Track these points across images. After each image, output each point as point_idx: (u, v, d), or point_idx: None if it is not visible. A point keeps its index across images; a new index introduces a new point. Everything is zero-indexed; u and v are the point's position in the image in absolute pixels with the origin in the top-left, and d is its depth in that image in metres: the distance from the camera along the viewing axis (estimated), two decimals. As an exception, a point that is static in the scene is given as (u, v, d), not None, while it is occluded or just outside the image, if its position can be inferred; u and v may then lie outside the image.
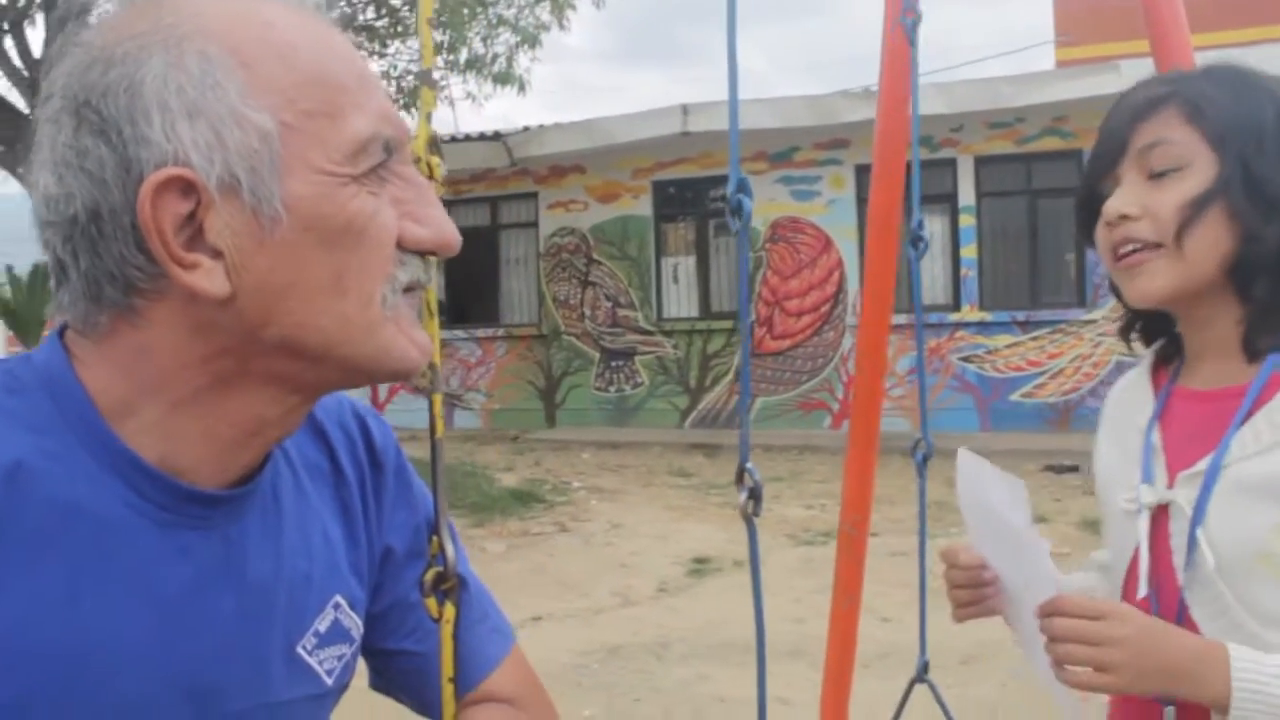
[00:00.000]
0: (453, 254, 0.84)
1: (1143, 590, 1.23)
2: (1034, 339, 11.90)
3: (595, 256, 14.10)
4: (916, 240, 2.00)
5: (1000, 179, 12.14)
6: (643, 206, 13.84)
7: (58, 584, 0.75)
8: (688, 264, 13.73)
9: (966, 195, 12.30)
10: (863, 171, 12.01)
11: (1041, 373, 11.87)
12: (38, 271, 21.60)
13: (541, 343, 14.38)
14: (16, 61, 9.46)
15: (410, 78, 10.81)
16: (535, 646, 5.34)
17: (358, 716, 1.27)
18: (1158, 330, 1.37)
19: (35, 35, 9.66)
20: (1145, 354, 1.38)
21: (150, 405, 0.79)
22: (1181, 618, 1.21)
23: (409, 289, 0.82)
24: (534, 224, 14.50)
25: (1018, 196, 12.17)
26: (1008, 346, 12.02)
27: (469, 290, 14.43)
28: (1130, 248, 1.23)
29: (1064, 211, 11.22)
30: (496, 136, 13.75)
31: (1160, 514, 1.24)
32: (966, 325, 12.25)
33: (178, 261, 0.74)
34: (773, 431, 12.69)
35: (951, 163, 12.31)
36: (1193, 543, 1.19)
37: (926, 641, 2.10)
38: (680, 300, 13.78)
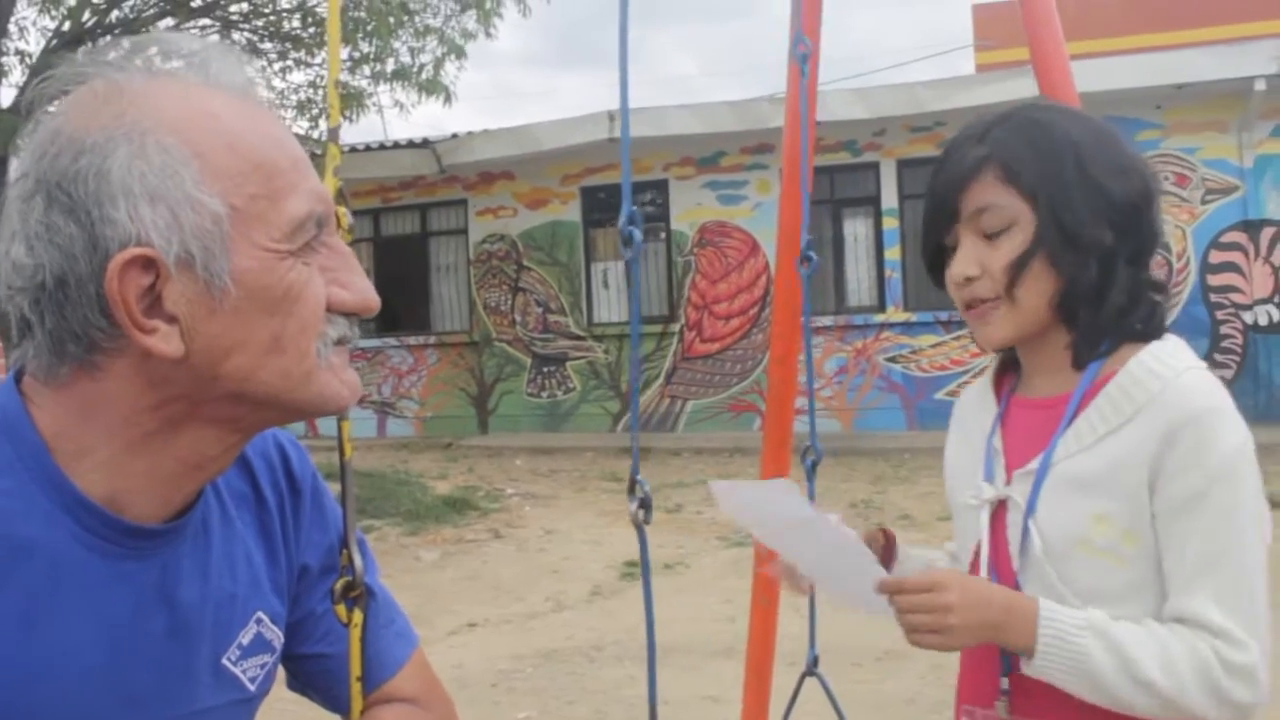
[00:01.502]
0: (372, 314, 0.96)
1: (983, 575, 1.39)
2: (957, 338, 12.16)
3: (525, 263, 14.14)
4: (805, 260, 2.15)
5: (922, 181, 12.29)
6: (571, 212, 13.91)
7: (14, 610, 0.84)
8: (617, 269, 13.82)
9: (889, 198, 12.55)
10: (782, 174, 12.16)
11: (965, 371, 12.14)
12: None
13: (473, 349, 14.38)
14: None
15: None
16: (470, 652, 5.41)
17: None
18: None
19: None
20: (991, 363, 1.54)
21: (103, 447, 0.88)
22: None
23: (339, 342, 0.93)
24: (464, 231, 14.50)
25: (939, 199, 12.41)
26: (932, 346, 12.28)
27: (400, 298, 14.40)
28: (977, 304, 1.39)
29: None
30: (425, 144, 13.74)
31: (999, 508, 1.40)
32: (892, 326, 12.49)
33: (138, 327, 0.83)
34: (704, 434, 12.83)
35: (874, 166, 12.56)
36: (1026, 532, 1.35)
37: (816, 636, 2.21)
38: (610, 305, 13.87)
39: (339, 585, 1.03)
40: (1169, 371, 1.30)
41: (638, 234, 1.17)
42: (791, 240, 2.52)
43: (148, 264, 0.83)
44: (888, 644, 4.74)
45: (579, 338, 13.87)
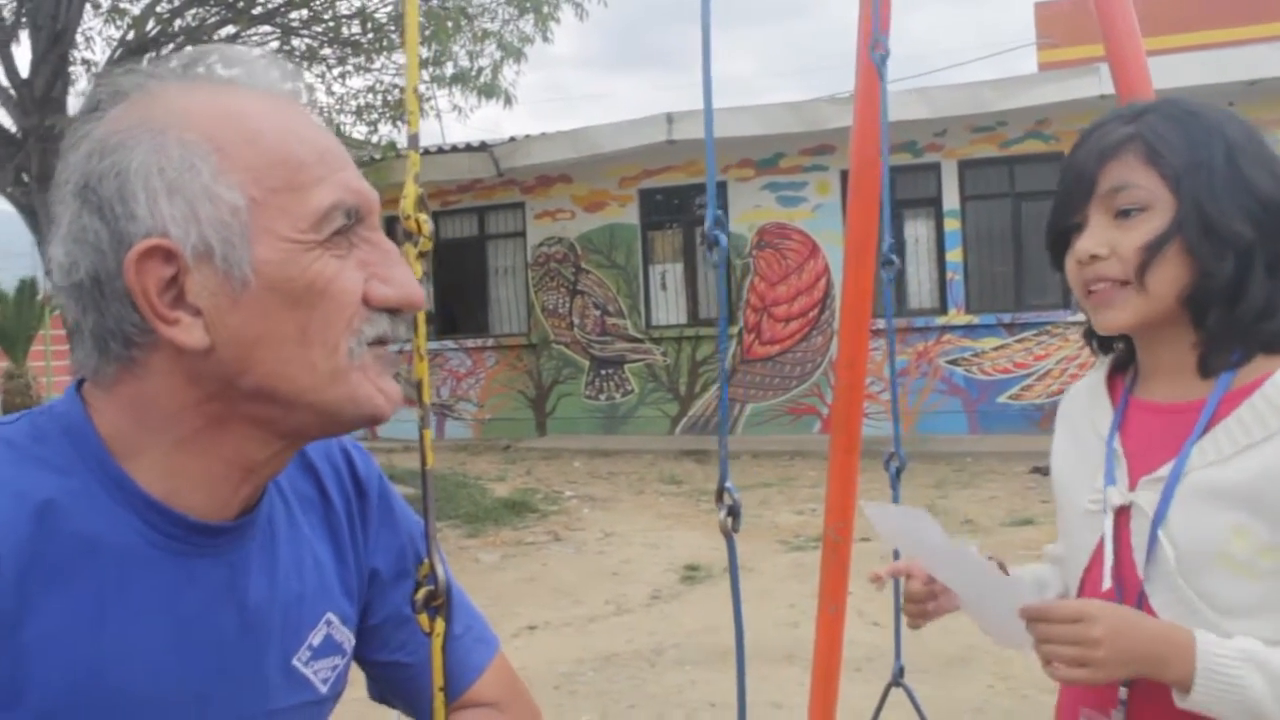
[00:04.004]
0: (417, 310, 0.94)
1: (1107, 583, 1.34)
2: (1020, 341, 11.99)
3: (583, 265, 14.16)
4: (888, 263, 2.10)
5: (984, 182, 12.23)
6: (629, 215, 13.90)
7: (85, 606, 0.85)
8: (675, 271, 13.80)
9: (951, 199, 12.40)
10: (849, 177, 12.07)
11: (1028, 374, 11.97)
12: (24, 287, 21.63)
13: (531, 352, 14.43)
14: (3, 81, 9.49)
15: (396, 91, 10.87)
16: (531, 655, 5.40)
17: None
18: (1112, 339, 1.47)
19: (21, 53, 9.69)
20: (1101, 363, 1.49)
21: (154, 445, 0.90)
22: (1140, 606, 1.32)
23: (378, 342, 0.91)
24: (521, 234, 14.55)
25: (1001, 199, 12.26)
26: (994, 349, 12.11)
27: (458, 301, 14.49)
28: (1100, 285, 1.34)
29: (1047, 213, 11.31)
30: (483, 147, 13.81)
31: (1122, 514, 1.35)
32: (953, 329, 12.34)
33: (161, 318, 0.85)
34: (762, 437, 12.76)
35: (935, 167, 12.40)
36: (1153, 541, 1.30)
37: (901, 646, 2.17)
38: (668, 307, 13.84)
39: (421, 594, 1.02)
40: None
41: (723, 238, 1.15)
42: (860, 244, 2.48)
43: (167, 256, 0.85)
44: (953, 651, 4.67)
45: (637, 340, 13.86)
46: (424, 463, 1.01)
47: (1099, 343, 1.48)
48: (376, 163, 11.18)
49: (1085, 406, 1.48)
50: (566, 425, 14.16)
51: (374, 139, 11.16)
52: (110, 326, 0.87)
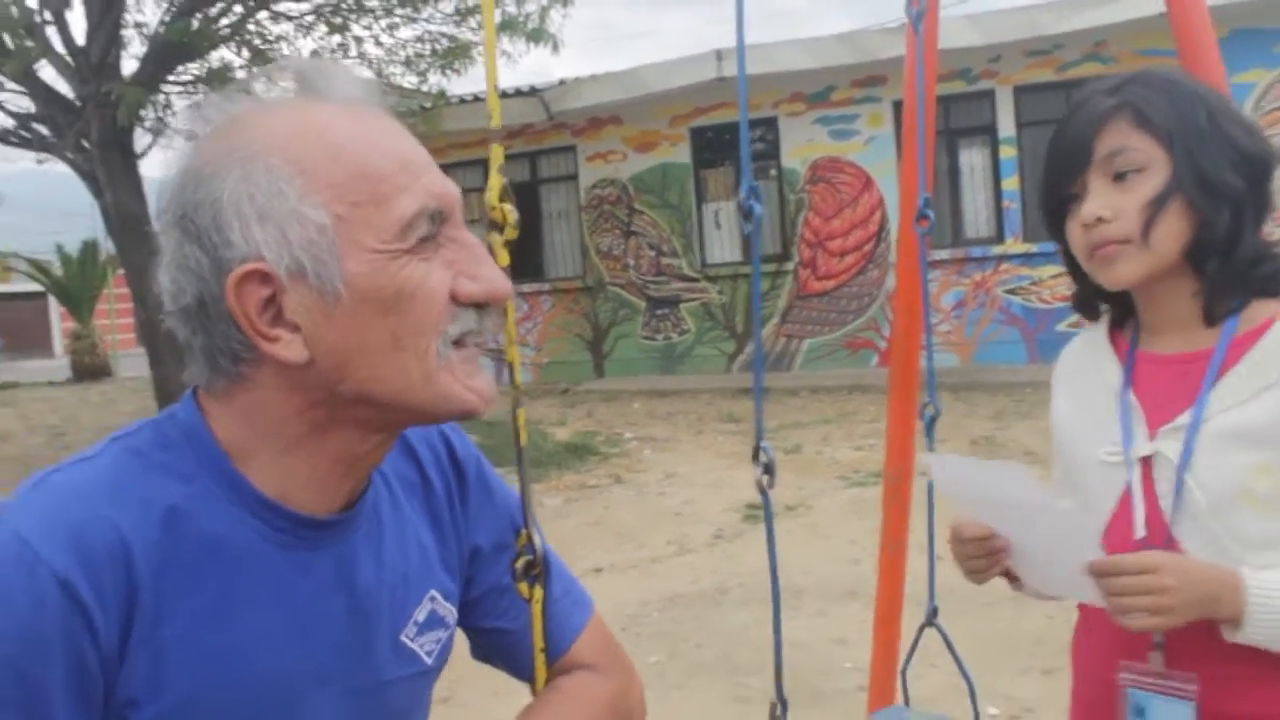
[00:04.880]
0: (505, 302, 0.99)
1: (1141, 531, 1.41)
2: (1080, 268, 11.82)
3: (636, 206, 14.15)
4: (923, 217, 2.15)
5: (1040, 108, 12.00)
6: (681, 154, 13.85)
7: (211, 602, 0.93)
8: (728, 209, 13.75)
9: (1006, 126, 12.21)
10: (901, 107, 11.90)
11: (1089, 302, 11.81)
12: (87, 249, 22.01)
13: (587, 294, 14.50)
14: (61, 49, 9.63)
15: (445, 40, 10.87)
16: (598, 598, 5.43)
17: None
18: (1098, 305, 1.55)
19: (75, 20, 9.83)
20: (1097, 323, 1.56)
21: (266, 449, 0.96)
22: (1170, 549, 1.39)
23: (460, 341, 0.96)
24: (574, 177, 14.57)
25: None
26: (1053, 277, 11.95)
27: (513, 246, 14.54)
28: (1107, 247, 1.40)
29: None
30: (533, 91, 13.79)
31: (1145, 465, 1.42)
32: (1010, 258, 12.20)
33: (263, 336, 0.91)
34: (820, 372, 12.77)
35: (990, 94, 12.21)
36: (1180, 487, 1.37)
37: (935, 589, 2.23)
38: (723, 245, 13.82)
39: (520, 563, 1.08)
40: None
41: (758, 208, 1.18)
42: (912, 204, 2.48)
43: (264, 278, 0.90)
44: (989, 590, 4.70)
45: (692, 279, 13.87)
46: (518, 441, 1.07)
47: (1088, 308, 1.56)
48: (427, 111, 11.23)
49: (1090, 363, 1.55)
50: (624, 367, 14.25)
51: (424, 88, 11.19)
52: (218, 345, 0.93)
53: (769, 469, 1.30)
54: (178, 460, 0.95)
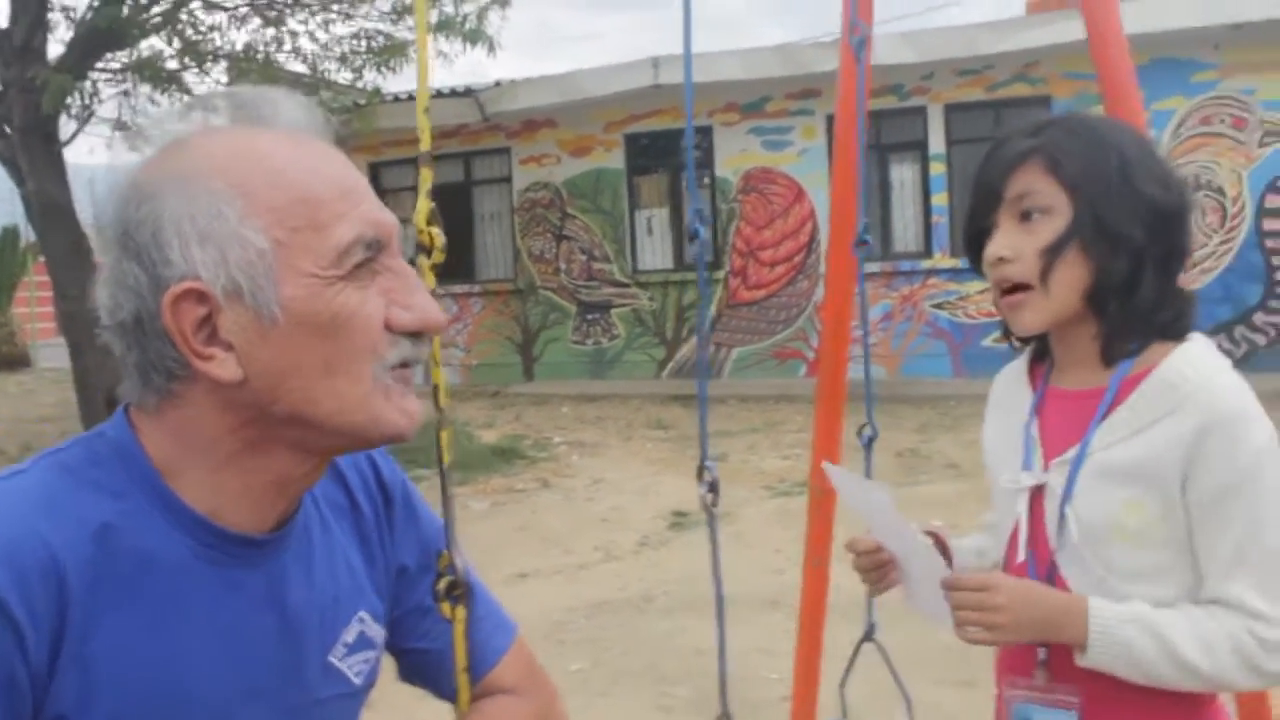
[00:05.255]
0: (438, 333, 1.01)
1: (1021, 556, 1.51)
2: (1004, 285, 12.03)
3: (569, 210, 14.14)
4: (862, 242, 2.24)
5: (970, 126, 12.21)
6: (615, 159, 13.86)
7: (144, 618, 0.93)
8: (661, 215, 13.78)
9: (937, 143, 12.39)
10: (834, 121, 12.02)
11: (1012, 317, 12.02)
12: (7, 236, 21.43)
13: (518, 297, 14.44)
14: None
15: (380, 37, 10.77)
16: (522, 604, 5.50)
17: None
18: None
19: (-1, 1, 9.58)
20: (1025, 352, 1.65)
21: (197, 467, 0.97)
22: (1053, 576, 1.48)
23: (402, 365, 0.98)
24: (507, 179, 14.50)
25: (988, 143, 12.09)
26: (979, 292, 12.15)
27: (444, 246, 14.43)
28: (1008, 286, 1.48)
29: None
30: (468, 92, 13.70)
31: (1037, 493, 1.51)
32: (938, 272, 12.39)
33: (197, 354, 0.92)
34: (748, 381, 12.85)
35: (921, 111, 12.39)
36: (1063, 517, 1.46)
37: (874, 604, 2.26)
38: (654, 252, 13.85)
39: (442, 584, 1.10)
40: (1201, 374, 1.40)
41: (703, 231, 1.20)
42: (844, 226, 2.51)
43: (200, 297, 0.91)
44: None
45: (623, 285, 13.89)
46: (441, 461, 1.09)
47: (1012, 341, 1.63)
48: (361, 108, 11.11)
49: (1010, 391, 1.64)
50: (554, 370, 14.22)
51: (359, 84, 11.07)
52: (153, 361, 0.94)
53: (714, 488, 1.35)
54: (109, 477, 0.95)
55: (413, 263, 1.07)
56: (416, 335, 0.99)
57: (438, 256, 1.07)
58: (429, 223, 1.06)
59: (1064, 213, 1.44)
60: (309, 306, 0.92)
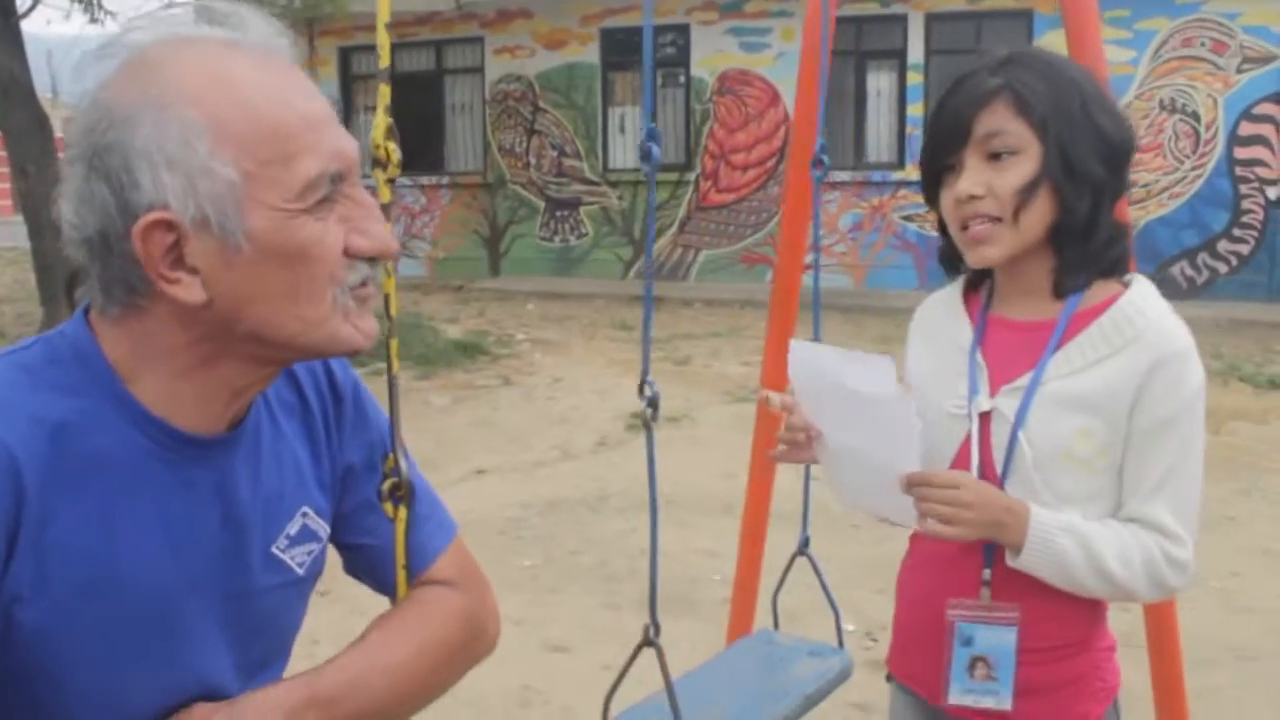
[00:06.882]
0: (392, 259, 1.07)
1: (973, 477, 1.56)
2: (974, 200, 12.03)
3: (541, 105, 13.94)
4: (818, 163, 2.26)
5: (951, 37, 12.08)
6: (590, 54, 13.64)
7: (96, 510, 0.98)
8: (634, 114, 13.63)
9: (916, 52, 12.27)
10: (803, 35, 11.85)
11: (980, 233, 12.05)
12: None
13: (486, 191, 14.31)
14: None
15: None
16: (478, 500, 5.56)
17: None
18: (959, 262, 1.65)
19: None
20: (955, 280, 1.69)
21: (153, 373, 1.02)
22: None
23: (361, 285, 1.03)
24: (480, 69, 14.25)
25: (967, 55, 12.01)
26: (948, 207, 12.15)
27: (413, 137, 14.23)
28: (978, 223, 1.52)
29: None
30: (441, -23, 13.40)
31: (984, 419, 1.56)
32: (910, 184, 12.35)
33: (163, 278, 0.96)
34: (715, 285, 12.87)
35: (902, 19, 12.23)
36: (1014, 441, 1.52)
37: (809, 519, 2.34)
38: (626, 151, 13.72)
39: (386, 485, 1.17)
40: (1152, 313, 1.50)
41: (656, 150, 1.21)
42: (804, 143, 2.50)
43: (169, 225, 0.94)
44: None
45: (593, 183, 13.78)
46: (390, 369, 1.14)
47: (949, 265, 1.67)
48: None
49: (943, 320, 1.68)
50: (520, 266, 14.16)
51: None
52: (116, 277, 0.98)
53: (653, 402, 1.40)
54: (66, 377, 0.99)
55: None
56: (372, 260, 1.04)
57: (393, 171, 1.10)
58: (386, 138, 1.09)
59: (1033, 153, 1.47)
60: (274, 238, 0.96)
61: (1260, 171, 11.30)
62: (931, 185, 1.58)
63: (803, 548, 2.32)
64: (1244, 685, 3.58)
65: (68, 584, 0.96)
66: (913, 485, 1.50)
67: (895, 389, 1.48)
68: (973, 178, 1.50)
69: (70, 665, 0.98)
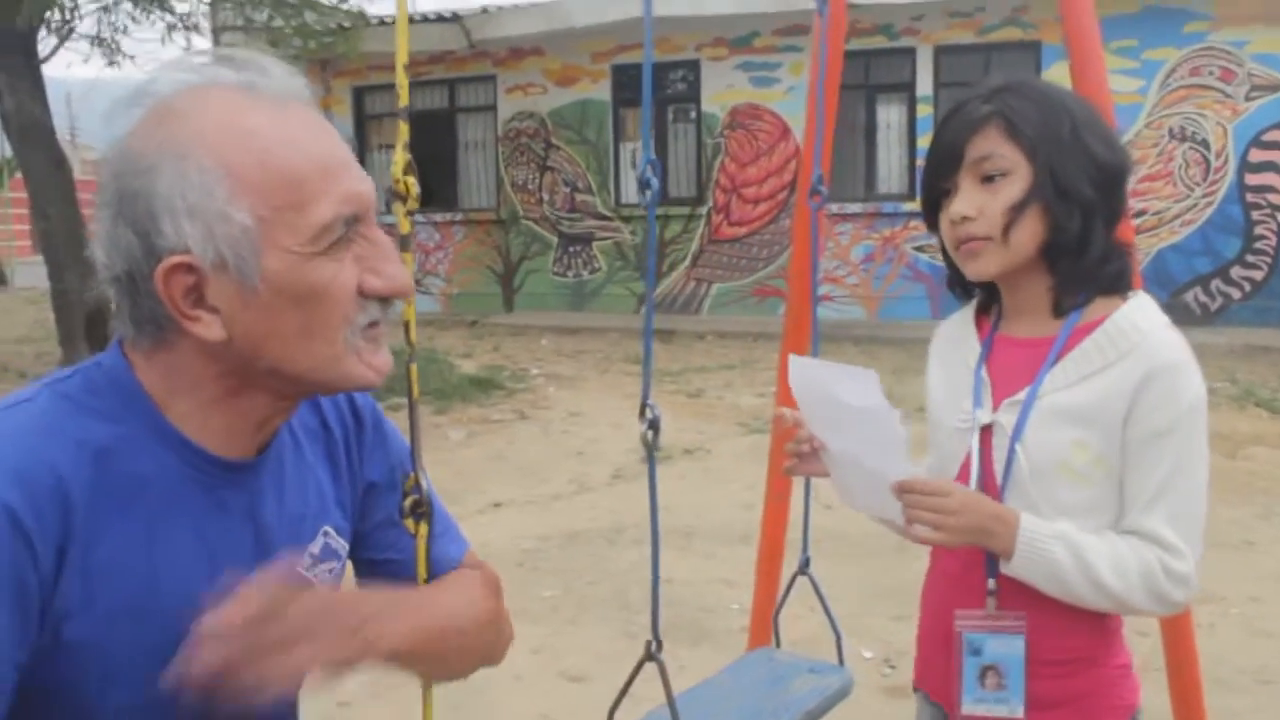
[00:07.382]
0: (406, 298, 1.12)
1: (972, 488, 1.60)
2: (986, 230, 12.05)
3: (554, 141, 14.05)
4: (815, 193, 2.33)
5: (959, 69, 12.15)
6: (601, 91, 13.76)
7: (138, 532, 1.05)
8: (647, 149, 13.68)
9: (925, 85, 12.34)
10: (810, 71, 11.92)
11: (992, 263, 12.06)
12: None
13: (500, 227, 14.40)
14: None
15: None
16: (496, 532, 5.58)
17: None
18: (972, 287, 1.72)
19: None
20: (968, 304, 1.74)
21: (185, 402, 1.09)
22: None
23: (371, 325, 1.08)
24: (492, 107, 14.38)
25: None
26: (960, 237, 12.18)
27: (427, 174, 14.01)
28: (971, 242, 1.57)
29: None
30: (454, 18, 13.54)
31: (986, 432, 1.61)
32: (920, 215, 12.35)
33: (185, 317, 1.03)
34: (728, 318, 12.90)
35: (911, 52, 12.32)
36: (1012, 454, 1.56)
37: (813, 539, 2.37)
38: (638, 185, 13.77)
39: (407, 503, 1.23)
40: (1147, 326, 1.53)
41: (655, 181, 1.27)
42: (811, 176, 2.54)
43: (190, 268, 1.01)
44: (896, 538, 4.86)
45: (606, 218, 13.86)
46: (411, 393, 1.20)
47: (961, 290, 1.72)
48: (346, 31, 10.98)
49: (955, 340, 1.74)
50: (534, 301, 14.22)
51: (343, 6, 10.94)
52: (144, 314, 1.04)
53: (654, 425, 1.45)
54: (105, 404, 1.06)
55: (389, 208, 1.16)
56: (385, 300, 1.08)
57: (412, 204, 1.15)
58: (405, 173, 1.14)
59: (1023, 174, 1.52)
60: (287, 279, 1.01)
61: (1271, 198, 11.30)
62: (931, 210, 1.64)
63: (803, 568, 2.35)
64: (1264, 709, 3.57)
65: (112, 603, 1.02)
66: (901, 492, 1.53)
67: (881, 400, 1.52)
68: (966, 200, 1.55)
69: (107, 682, 1.02)
